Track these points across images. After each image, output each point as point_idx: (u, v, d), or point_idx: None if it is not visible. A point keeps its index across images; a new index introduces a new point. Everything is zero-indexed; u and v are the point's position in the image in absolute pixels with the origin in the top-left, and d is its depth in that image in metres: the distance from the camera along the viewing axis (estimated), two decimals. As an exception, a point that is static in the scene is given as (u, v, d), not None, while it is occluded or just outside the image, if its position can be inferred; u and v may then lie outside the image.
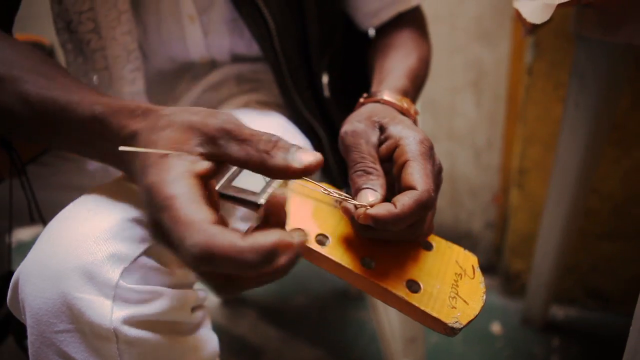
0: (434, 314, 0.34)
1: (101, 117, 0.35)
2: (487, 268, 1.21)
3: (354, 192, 0.37)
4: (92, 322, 0.34)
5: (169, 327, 0.38)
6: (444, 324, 0.34)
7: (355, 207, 0.36)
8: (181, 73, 0.63)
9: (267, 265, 0.27)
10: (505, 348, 0.99)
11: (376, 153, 0.39)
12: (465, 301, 0.35)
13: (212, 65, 0.61)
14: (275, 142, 0.32)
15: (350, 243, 0.37)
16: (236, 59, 0.61)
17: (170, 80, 0.64)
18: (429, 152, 0.38)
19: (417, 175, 0.35)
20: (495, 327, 1.04)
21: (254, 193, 0.35)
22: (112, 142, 0.35)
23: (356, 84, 0.66)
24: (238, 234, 0.26)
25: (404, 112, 0.45)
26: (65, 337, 0.34)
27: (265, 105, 0.62)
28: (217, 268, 0.26)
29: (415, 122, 0.46)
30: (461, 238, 1.24)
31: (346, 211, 0.36)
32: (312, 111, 0.58)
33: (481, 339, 1.01)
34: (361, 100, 0.47)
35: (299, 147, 0.32)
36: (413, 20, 0.61)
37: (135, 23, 0.55)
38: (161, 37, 0.58)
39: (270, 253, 0.26)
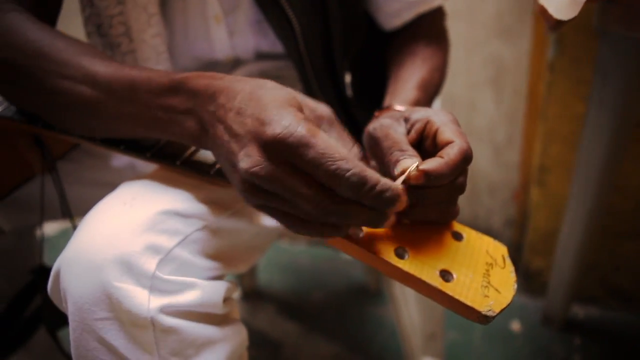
0: (468, 303, 0.34)
1: (182, 79, 0.38)
2: (506, 266, 1.20)
3: (392, 167, 0.39)
4: (130, 310, 0.35)
5: (202, 317, 0.40)
6: (478, 312, 0.34)
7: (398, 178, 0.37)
8: (205, 71, 0.64)
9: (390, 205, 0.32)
10: (525, 346, 0.99)
11: (405, 139, 0.40)
12: (497, 290, 0.36)
13: (236, 63, 0.62)
14: (362, 156, 0.39)
15: (383, 234, 0.38)
16: (260, 57, 0.62)
17: None
18: (457, 121, 0.40)
19: (451, 133, 0.37)
20: (515, 325, 1.04)
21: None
22: (193, 97, 0.37)
23: (378, 83, 0.66)
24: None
25: None
26: (104, 325, 0.36)
27: None
28: (364, 195, 0.30)
29: None
30: (480, 236, 1.23)
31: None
32: (335, 110, 0.58)
33: (500, 336, 1.01)
34: (376, 114, 0.48)
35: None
36: (432, 22, 0.61)
37: (163, 25, 0.56)
38: (187, 37, 0.59)
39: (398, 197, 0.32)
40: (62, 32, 0.47)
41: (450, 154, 0.36)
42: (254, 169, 0.31)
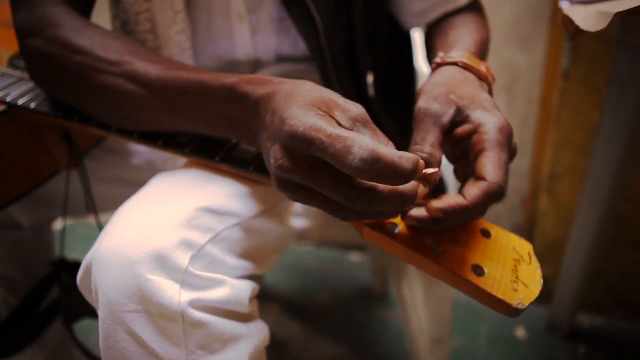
0: (500, 296, 0.36)
1: (233, 84, 0.39)
2: (512, 272, 1.20)
3: None
4: (161, 303, 0.36)
5: (228, 314, 0.40)
6: (509, 305, 0.36)
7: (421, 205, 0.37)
8: (226, 71, 0.64)
9: (412, 177, 0.29)
10: (530, 354, 0.99)
11: (440, 137, 0.39)
12: (525, 284, 0.38)
13: (256, 64, 0.63)
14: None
15: (416, 230, 0.39)
16: (280, 59, 0.63)
17: None
18: (507, 141, 0.37)
19: (490, 166, 0.35)
20: (520, 332, 1.04)
21: None
22: (243, 103, 0.38)
23: (400, 84, 0.66)
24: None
25: (481, 77, 0.44)
26: (134, 317, 0.36)
27: None
28: (378, 173, 0.29)
29: (491, 90, 0.45)
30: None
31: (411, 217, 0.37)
32: None
33: (505, 343, 1.01)
34: (438, 60, 0.45)
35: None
36: (472, 6, 0.59)
37: (188, 23, 0.56)
38: (210, 35, 0.59)
39: (416, 167, 0.29)
40: (106, 28, 0.47)
41: (474, 195, 0.34)
42: (277, 162, 0.32)
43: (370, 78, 0.58)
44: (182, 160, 0.51)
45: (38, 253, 0.66)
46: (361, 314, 1.11)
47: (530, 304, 0.36)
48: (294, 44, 0.60)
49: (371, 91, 0.59)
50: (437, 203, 0.35)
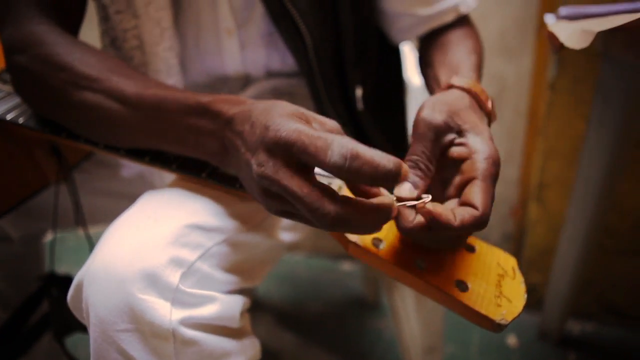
0: (483, 312, 0.36)
1: (208, 103, 0.39)
2: (503, 280, 1.21)
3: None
4: (152, 322, 0.36)
5: (220, 330, 0.40)
6: (492, 321, 0.36)
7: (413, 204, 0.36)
8: (216, 87, 0.64)
9: (394, 179, 0.30)
10: (521, 361, 0.99)
11: (437, 152, 0.39)
12: (509, 300, 0.38)
13: (246, 80, 0.63)
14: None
15: (401, 246, 0.39)
16: (270, 74, 0.63)
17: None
18: (496, 175, 0.38)
19: (481, 196, 0.35)
20: (512, 340, 1.04)
21: None
22: (216, 121, 0.39)
23: (389, 97, 0.67)
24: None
25: (486, 112, 0.44)
26: (125, 336, 0.36)
27: None
28: (358, 171, 0.29)
29: (490, 125, 0.45)
30: (477, 250, 1.24)
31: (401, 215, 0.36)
32: (345, 124, 0.59)
33: (497, 351, 1.01)
34: (451, 81, 0.45)
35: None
36: (462, 21, 0.60)
37: (176, 39, 0.56)
38: (199, 50, 0.60)
39: (399, 169, 0.30)
40: (90, 45, 0.48)
41: (464, 220, 0.34)
42: (261, 169, 0.33)
43: (359, 92, 0.59)
44: (172, 175, 0.51)
45: (28, 266, 0.66)
46: (354, 323, 1.11)
47: (514, 319, 0.36)
48: (284, 59, 0.61)
49: (360, 105, 0.59)
50: (430, 206, 0.34)
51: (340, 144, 0.29)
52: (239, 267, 0.44)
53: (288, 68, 0.62)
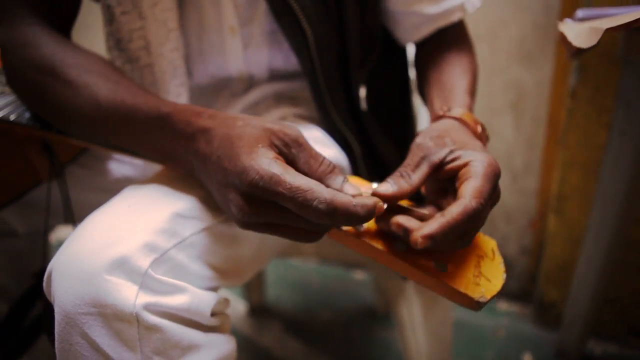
0: (462, 290, 0.38)
1: (167, 115, 0.40)
2: (521, 295, 1.17)
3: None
4: (115, 305, 0.35)
5: (188, 322, 0.40)
6: (471, 299, 0.38)
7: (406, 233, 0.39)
8: (220, 89, 0.64)
9: (367, 219, 0.35)
10: (537, 380, 0.95)
11: (429, 170, 0.41)
12: (488, 279, 0.40)
13: (249, 81, 0.63)
14: (332, 167, 0.39)
15: (377, 229, 0.42)
16: (273, 75, 0.62)
17: (209, 95, 0.66)
18: (493, 176, 0.39)
19: (470, 189, 0.37)
20: (527, 358, 1.00)
21: None
22: (176, 137, 0.40)
23: (394, 98, 0.66)
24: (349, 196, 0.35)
25: (477, 137, 0.46)
26: (87, 320, 0.36)
27: (303, 118, 0.63)
28: (337, 220, 0.34)
29: (484, 145, 0.47)
30: (494, 262, 1.20)
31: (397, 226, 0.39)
32: (347, 124, 0.58)
33: (511, 369, 0.98)
34: (440, 113, 0.48)
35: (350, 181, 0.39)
36: (459, 34, 0.61)
37: (182, 40, 0.57)
38: (202, 50, 0.60)
39: (372, 210, 0.35)
40: (76, 46, 0.49)
41: (454, 213, 0.36)
42: (242, 212, 0.36)
43: (363, 92, 0.58)
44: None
45: (32, 263, 0.66)
46: (363, 334, 1.09)
47: (493, 297, 0.38)
48: (287, 58, 0.60)
49: (363, 105, 0.58)
50: (422, 231, 0.36)
51: (319, 200, 0.33)
52: (219, 262, 0.43)
53: (291, 67, 0.61)
